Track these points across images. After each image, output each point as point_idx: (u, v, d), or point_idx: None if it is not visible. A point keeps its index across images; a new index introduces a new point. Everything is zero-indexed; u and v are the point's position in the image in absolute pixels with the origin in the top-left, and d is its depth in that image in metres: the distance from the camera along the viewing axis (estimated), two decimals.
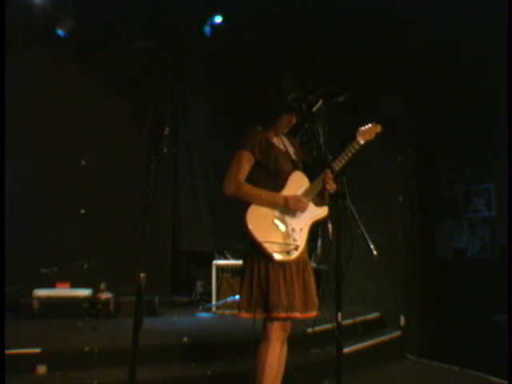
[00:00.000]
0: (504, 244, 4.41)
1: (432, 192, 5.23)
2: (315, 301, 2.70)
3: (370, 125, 2.91)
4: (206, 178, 6.09)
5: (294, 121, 2.81)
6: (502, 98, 4.11)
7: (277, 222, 2.64)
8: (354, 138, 2.88)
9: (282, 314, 2.56)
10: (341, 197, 2.33)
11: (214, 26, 5.77)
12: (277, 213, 2.66)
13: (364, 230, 2.18)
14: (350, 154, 2.78)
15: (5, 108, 4.00)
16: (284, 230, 2.64)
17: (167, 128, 2.64)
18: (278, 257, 2.56)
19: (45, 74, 5.27)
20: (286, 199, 2.66)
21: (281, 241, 2.60)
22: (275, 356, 2.59)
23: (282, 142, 2.87)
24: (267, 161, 2.71)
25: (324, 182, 2.70)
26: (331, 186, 2.69)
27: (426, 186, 5.22)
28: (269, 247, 2.56)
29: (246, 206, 2.64)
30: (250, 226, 2.58)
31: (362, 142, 2.85)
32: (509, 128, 4.04)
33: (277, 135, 2.86)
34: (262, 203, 2.63)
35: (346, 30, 5.15)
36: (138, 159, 5.63)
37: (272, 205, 2.65)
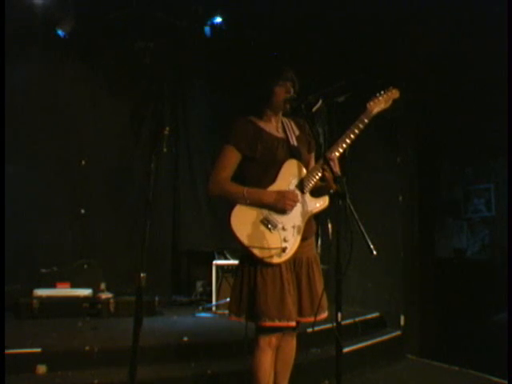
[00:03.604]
0: (504, 244, 4.41)
1: (432, 192, 5.24)
2: (323, 302, 2.48)
3: (385, 90, 2.57)
4: (206, 177, 6.08)
5: (291, 89, 2.50)
6: (502, 98, 4.11)
7: (265, 221, 2.41)
8: (364, 109, 2.52)
9: (268, 323, 2.37)
10: (341, 197, 2.28)
11: (214, 26, 5.77)
12: (264, 211, 2.42)
13: (364, 230, 2.16)
14: (356, 131, 2.48)
15: (5, 108, 4.00)
16: (273, 230, 2.40)
17: (167, 128, 2.62)
18: (265, 261, 2.37)
19: (45, 74, 5.28)
20: (270, 196, 2.42)
21: (269, 242, 2.37)
22: (267, 363, 2.47)
23: (281, 126, 2.62)
24: (254, 153, 2.49)
25: (323, 169, 2.41)
26: (329, 174, 2.37)
27: (426, 186, 5.22)
28: (255, 251, 2.36)
29: (232, 205, 2.46)
30: (234, 229, 2.40)
31: (373, 112, 2.53)
32: (509, 128, 4.04)
33: (276, 115, 2.60)
34: (246, 202, 2.42)
35: (346, 30, 5.15)
36: (138, 159, 5.64)
37: (257, 204, 2.42)
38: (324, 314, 2.53)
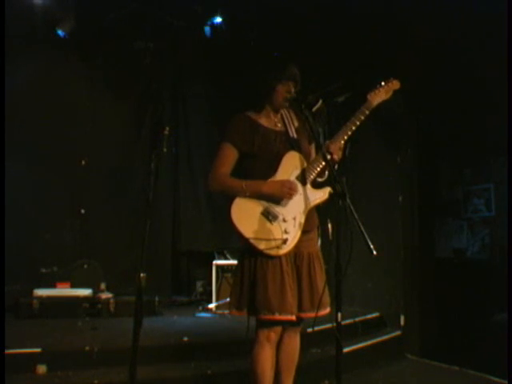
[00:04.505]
0: (504, 244, 4.41)
1: (432, 192, 5.24)
2: (324, 298, 2.48)
3: (385, 81, 2.57)
4: (206, 177, 6.07)
5: (292, 89, 2.50)
6: (501, 98, 4.11)
7: (265, 213, 2.40)
8: (364, 100, 2.50)
9: (268, 316, 2.38)
10: (341, 197, 2.28)
11: (214, 26, 5.77)
12: (265, 203, 2.42)
13: (364, 230, 2.16)
14: (358, 122, 2.46)
15: (5, 108, 4.01)
16: (274, 222, 2.39)
17: (167, 128, 2.62)
18: (266, 253, 2.36)
19: (45, 74, 5.27)
20: (269, 186, 2.42)
21: (269, 234, 2.37)
22: (266, 358, 2.47)
23: (280, 120, 2.62)
24: (251, 148, 2.50)
25: (324, 159, 2.39)
26: (329, 172, 2.36)
27: (426, 186, 5.22)
28: (256, 242, 2.36)
29: (231, 199, 2.46)
30: (234, 222, 2.39)
31: (374, 103, 2.51)
32: (509, 128, 4.04)
33: (276, 111, 2.61)
34: (245, 195, 2.42)
35: (345, 30, 5.15)
36: (138, 159, 5.64)
37: (257, 195, 2.42)
38: (326, 310, 2.52)
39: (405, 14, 4.66)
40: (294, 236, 2.41)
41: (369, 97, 2.54)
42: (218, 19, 5.70)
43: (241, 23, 5.73)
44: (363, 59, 5.16)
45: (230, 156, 2.54)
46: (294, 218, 2.43)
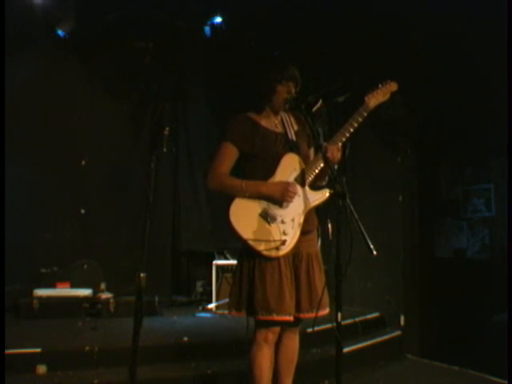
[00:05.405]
0: (504, 244, 4.41)
1: (432, 192, 5.24)
2: (324, 299, 2.47)
3: (382, 84, 2.57)
4: (206, 177, 6.07)
5: (292, 90, 2.50)
6: (502, 98, 4.12)
7: (263, 214, 2.41)
8: (362, 102, 2.52)
9: (266, 317, 2.38)
10: (341, 197, 2.27)
11: (214, 26, 5.77)
12: (264, 204, 2.42)
13: (364, 230, 2.16)
14: (355, 124, 2.47)
15: (5, 108, 4.01)
16: (272, 223, 2.40)
17: (167, 128, 2.62)
18: (264, 254, 2.37)
19: (45, 74, 5.27)
20: (269, 188, 2.43)
21: (268, 236, 2.37)
22: (264, 358, 2.46)
23: (280, 122, 2.62)
24: (251, 148, 2.50)
25: (324, 161, 2.38)
26: (330, 173, 2.35)
27: (426, 186, 5.22)
28: (254, 244, 2.36)
29: (231, 200, 2.46)
30: (233, 222, 2.39)
31: (372, 105, 2.51)
32: (509, 128, 4.04)
33: (276, 113, 2.61)
34: (245, 195, 2.42)
35: (345, 29, 5.15)
36: (138, 159, 5.64)
37: (256, 195, 2.43)
38: (325, 311, 2.53)
39: (405, 15, 4.66)
40: (292, 237, 2.42)
41: (366, 99, 2.54)
42: (218, 19, 5.70)
43: (241, 23, 5.73)
44: (363, 59, 5.16)
45: (230, 155, 2.54)
46: (293, 220, 2.43)
